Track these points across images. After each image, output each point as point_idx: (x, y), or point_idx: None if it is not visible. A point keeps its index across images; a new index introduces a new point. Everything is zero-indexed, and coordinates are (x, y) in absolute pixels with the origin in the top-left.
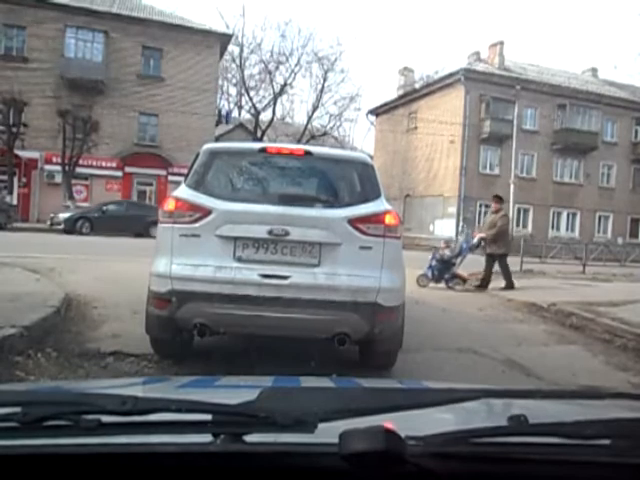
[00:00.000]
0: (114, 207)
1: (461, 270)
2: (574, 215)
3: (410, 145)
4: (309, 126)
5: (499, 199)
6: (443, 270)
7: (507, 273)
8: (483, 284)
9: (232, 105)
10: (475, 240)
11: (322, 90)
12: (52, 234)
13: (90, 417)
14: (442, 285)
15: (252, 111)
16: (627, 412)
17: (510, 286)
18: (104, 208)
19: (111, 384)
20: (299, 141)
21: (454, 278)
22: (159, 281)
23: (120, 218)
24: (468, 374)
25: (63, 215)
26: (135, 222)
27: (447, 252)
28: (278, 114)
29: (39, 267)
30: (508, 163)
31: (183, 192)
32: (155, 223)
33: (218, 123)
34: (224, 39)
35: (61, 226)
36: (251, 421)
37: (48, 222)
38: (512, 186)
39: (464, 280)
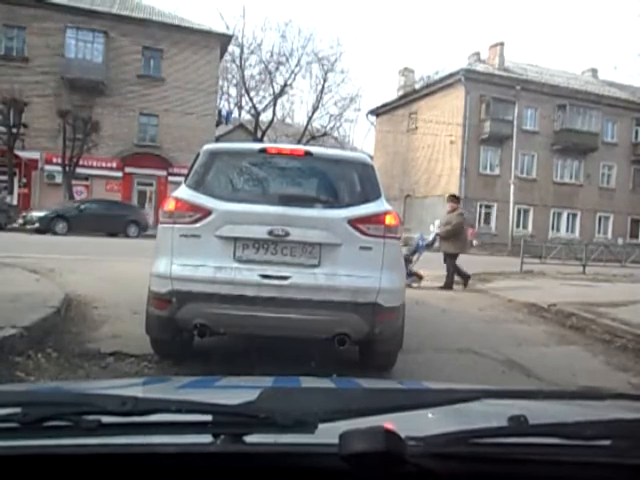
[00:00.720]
0: (91, 205)
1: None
2: (574, 216)
3: (410, 145)
4: (309, 127)
5: (455, 198)
6: None
7: (451, 273)
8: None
9: (232, 106)
10: (430, 237)
11: (322, 91)
12: (30, 234)
13: (90, 417)
14: None
15: (252, 112)
16: (627, 413)
17: (449, 286)
18: (81, 207)
19: (111, 384)
20: (299, 142)
21: (411, 276)
22: (159, 281)
23: (98, 217)
24: (468, 374)
25: (37, 214)
26: (113, 221)
27: (404, 250)
28: (278, 115)
29: (39, 267)
30: (508, 163)
31: (183, 192)
32: (133, 222)
33: (218, 123)
34: (224, 40)
35: (35, 225)
36: (251, 421)
37: (20, 221)
38: (512, 187)
39: (420, 277)
